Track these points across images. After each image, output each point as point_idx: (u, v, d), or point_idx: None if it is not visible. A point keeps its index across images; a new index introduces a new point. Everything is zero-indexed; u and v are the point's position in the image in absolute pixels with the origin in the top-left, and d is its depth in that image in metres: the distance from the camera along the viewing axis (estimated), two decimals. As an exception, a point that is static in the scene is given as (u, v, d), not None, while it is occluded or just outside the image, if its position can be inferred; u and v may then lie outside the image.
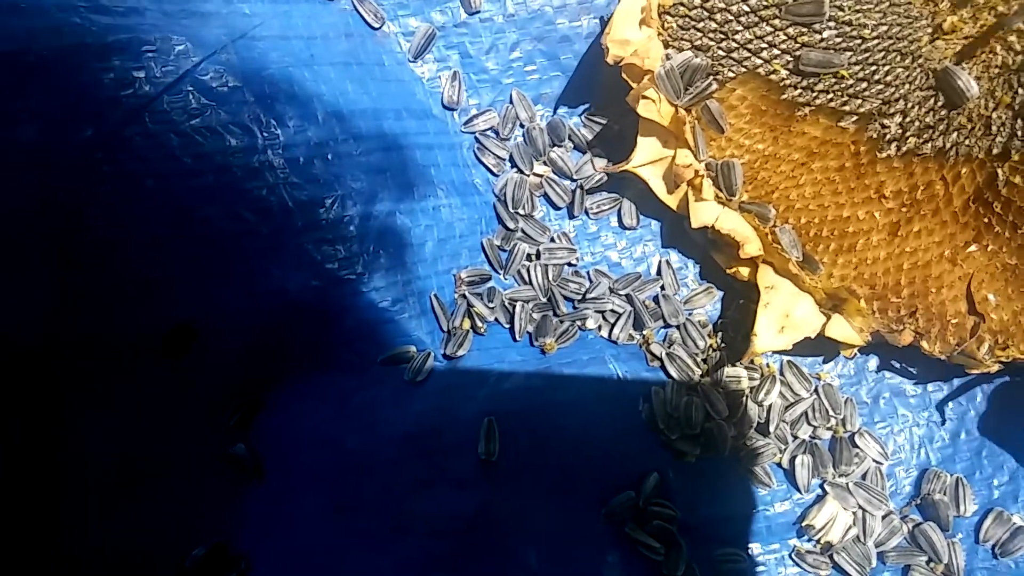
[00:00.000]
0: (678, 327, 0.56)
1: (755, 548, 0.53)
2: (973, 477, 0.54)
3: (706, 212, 0.52)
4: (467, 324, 0.53)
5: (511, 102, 0.56)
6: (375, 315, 0.51)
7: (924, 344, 0.51)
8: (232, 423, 0.51)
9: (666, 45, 0.51)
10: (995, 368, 0.50)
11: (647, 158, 0.52)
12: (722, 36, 0.51)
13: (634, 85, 0.51)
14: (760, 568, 0.53)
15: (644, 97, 0.50)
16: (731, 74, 0.51)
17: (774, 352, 0.53)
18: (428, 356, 0.51)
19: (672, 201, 0.54)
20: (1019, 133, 0.48)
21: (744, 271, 0.54)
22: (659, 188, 0.53)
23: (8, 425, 0.49)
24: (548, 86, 0.57)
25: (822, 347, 0.54)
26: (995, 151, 0.49)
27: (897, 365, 0.55)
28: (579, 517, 0.50)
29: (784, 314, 0.52)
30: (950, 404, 0.54)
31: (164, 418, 0.50)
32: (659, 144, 0.52)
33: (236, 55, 0.46)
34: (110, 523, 0.50)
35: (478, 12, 0.55)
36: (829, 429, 0.55)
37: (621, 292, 0.55)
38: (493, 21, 0.56)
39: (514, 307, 0.54)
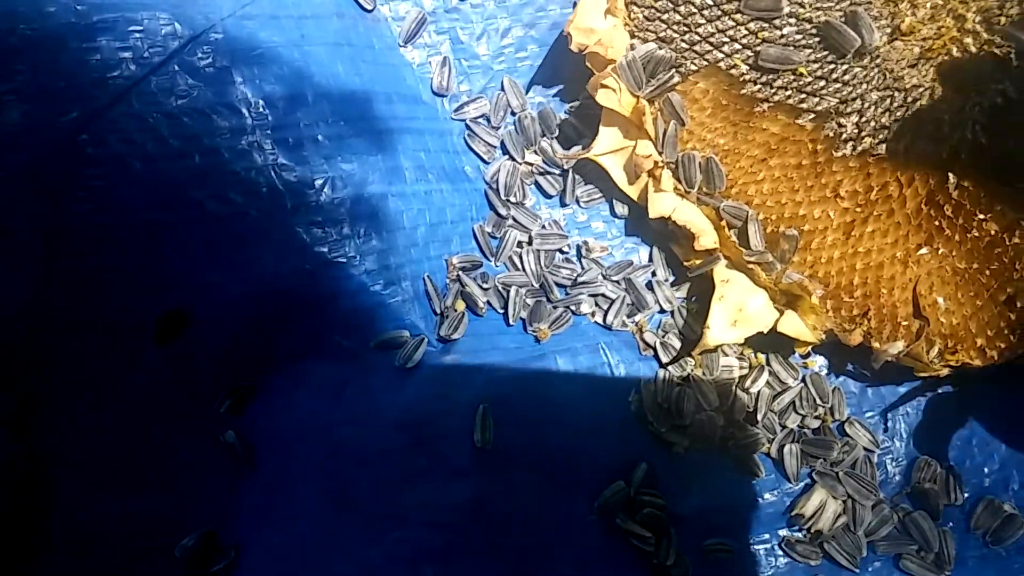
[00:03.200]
0: (672, 313, 0.55)
1: (744, 538, 0.53)
2: (963, 466, 0.54)
3: (664, 203, 0.52)
4: (461, 306, 0.53)
5: (502, 89, 0.56)
6: (368, 299, 0.50)
7: (875, 344, 0.52)
8: (223, 410, 0.50)
9: (632, 35, 0.52)
10: (944, 372, 0.51)
11: (608, 147, 0.53)
12: (685, 28, 0.51)
13: (597, 74, 0.51)
14: (750, 558, 0.53)
15: (603, 86, 0.50)
16: (693, 67, 0.51)
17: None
18: (422, 341, 0.51)
19: (633, 191, 0.54)
20: (969, 136, 0.48)
21: (700, 263, 0.54)
22: (620, 178, 0.54)
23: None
24: (539, 73, 0.56)
25: (784, 343, 0.54)
26: (946, 154, 0.49)
27: (851, 367, 0.55)
28: (571, 507, 0.50)
29: (737, 308, 0.53)
30: (939, 393, 0.54)
31: (154, 405, 0.49)
32: (620, 134, 0.53)
33: (224, 35, 0.46)
34: (100, 511, 0.49)
35: (469, -2, 0.55)
36: (817, 418, 0.55)
37: (614, 278, 0.55)
38: (484, 7, 0.56)
39: (508, 291, 0.54)
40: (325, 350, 0.50)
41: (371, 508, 0.47)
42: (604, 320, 0.55)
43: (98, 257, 0.46)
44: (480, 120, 0.56)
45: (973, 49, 0.48)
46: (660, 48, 0.51)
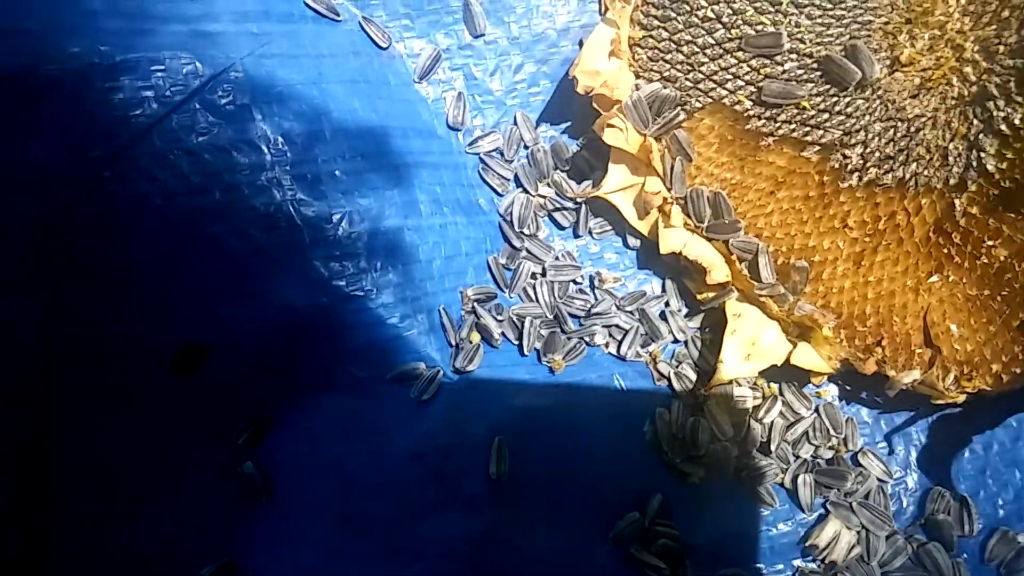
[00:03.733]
0: (685, 344, 0.56)
1: (759, 569, 0.53)
2: (977, 496, 0.53)
3: (675, 238, 0.53)
4: (476, 338, 0.53)
5: (515, 124, 0.56)
6: (384, 332, 0.51)
7: (890, 373, 0.52)
8: (241, 441, 0.51)
9: (636, 76, 0.53)
10: (961, 399, 0.51)
11: (617, 185, 0.54)
12: (689, 68, 0.52)
13: (604, 114, 0.52)
14: (764, 589, 0.53)
15: (610, 125, 0.51)
16: (698, 104, 0.52)
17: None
18: (437, 373, 0.51)
19: (643, 227, 0.55)
20: (974, 164, 0.49)
21: (713, 297, 0.54)
22: (630, 214, 0.55)
23: (11, 440, 0.48)
24: (551, 108, 0.57)
25: (798, 374, 0.54)
26: (952, 182, 0.49)
27: (865, 395, 0.56)
28: (585, 538, 0.50)
29: (751, 341, 0.53)
30: (953, 422, 0.54)
31: (171, 437, 0.50)
32: (629, 171, 0.54)
33: (244, 73, 0.47)
34: (116, 539, 0.49)
35: (483, 35, 0.56)
36: (831, 448, 0.55)
37: (628, 308, 0.55)
38: (497, 44, 0.56)
39: (522, 322, 0.54)
40: (341, 382, 0.51)
41: (386, 540, 0.47)
42: (618, 351, 0.55)
43: (117, 291, 0.47)
44: (494, 154, 0.56)
45: (973, 78, 0.49)
46: (665, 87, 0.52)
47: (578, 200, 0.56)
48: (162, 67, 0.46)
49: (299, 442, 0.50)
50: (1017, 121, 0.48)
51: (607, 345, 0.55)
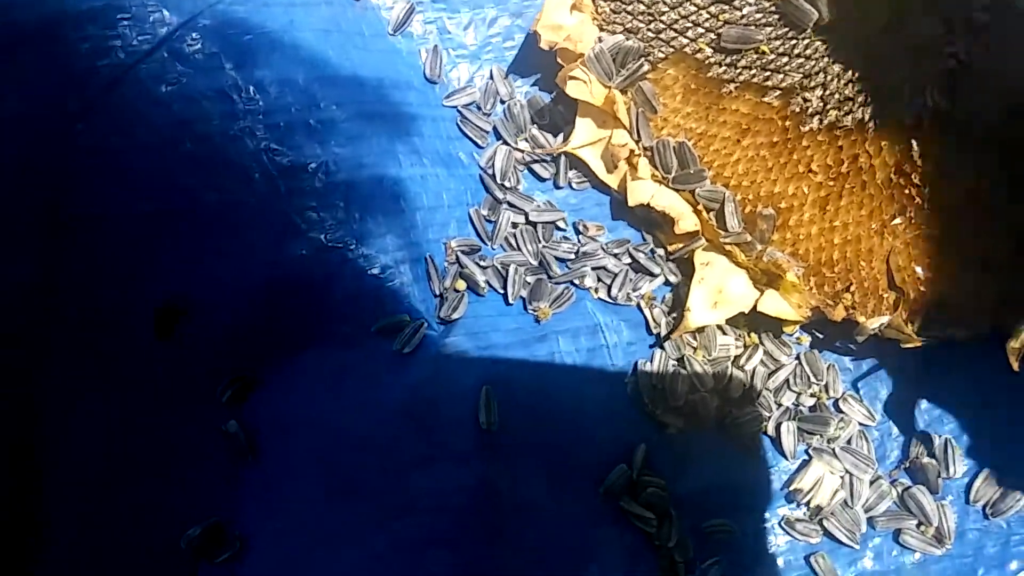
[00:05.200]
0: (677, 286, 0.56)
1: (744, 518, 0.53)
2: (960, 439, 0.54)
3: (642, 190, 0.53)
4: (461, 285, 0.52)
5: (491, 78, 0.56)
6: (366, 284, 0.50)
7: (860, 319, 0.52)
8: (224, 400, 0.50)
9: (600, 29, 0.53)
10: (928, 342, 0.51)
11: (585, 139, 0.54)
12: (650, 17, 0.52)
13: (566, 67, 0.52)
14: (750, 538, 0.53)
15: (572, 78, 0.51)
16: (661, 55, 0.52)
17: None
18: (421, 325, 0.51)
19: (612, 180, 0.55)
20: (928, 102, 0.49)
21: (682, 247, 0.54)
22: (599, 168, 0.55)
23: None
24: (527, 62, 0.56)
25: (774, 324, 0.54)
26: (908, 121, 0.49)
27: (839, 344, 0.56)
28: (574, 491, 0.50)
29: (717, 289, 0.53)
30: (934, 366, 0.54)
31: (154, 396, 0.49)
32: (595, 125, 0.54)
33: (213, 21, 0.46)
34: (102, 504, 0.49)
35: (456, -13, 0.55)
36: (813, 396, 0.55)
37: (615, 251, 0.55)
38: (471, -4, 0.56)
39: (507, 270, 0.53)
40: (324, 337, 0.50)
41: (376, 495, 0.47)
42: (609, 294, 0.55)
43: (95, 248, 0.46)
44: (471, 107, 0.56)
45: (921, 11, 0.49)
46: (628, 39, 0.52)
47: (555, 153, 0.55)
48: (128, 15, 0.45)
49: (284, 399, 0.50)
50: (964, 57, 0.47)
51: (596, 290, 0.55)
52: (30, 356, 0.47)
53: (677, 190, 0.53)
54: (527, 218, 0.55)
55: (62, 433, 0.48)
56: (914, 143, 0.49)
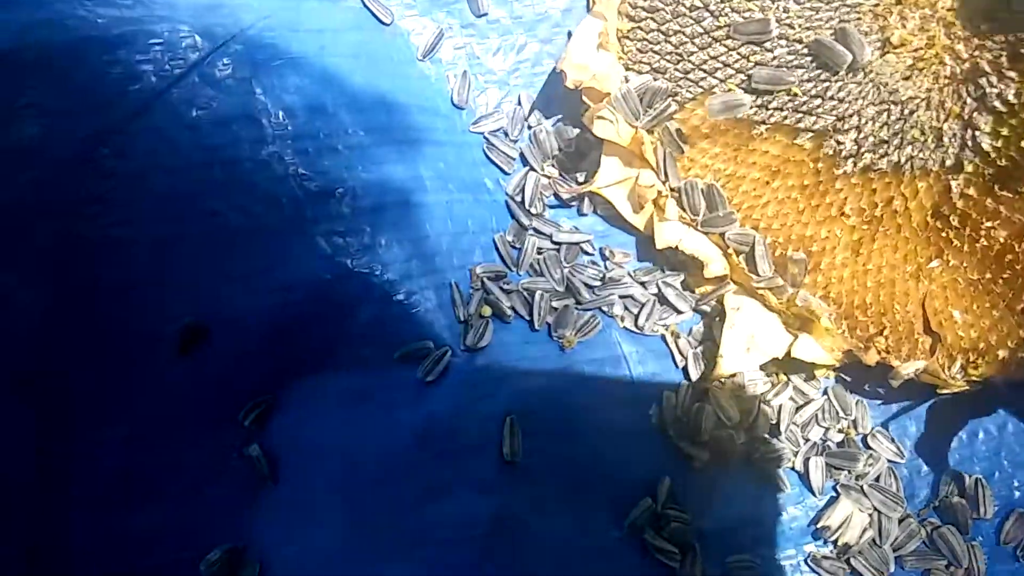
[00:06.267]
0: (706, 317, 0.55)
1: (770, 554, 0.52)
2: (992, 478, 0.53)
3: (670, 233, 0.52)
4: (487, 311, 0.52)
5: (519, 104, 0.56)
6: (390, 309, 0.50)
7: (893, 363, 0.51)
8: (247, 423, 0.49)
9: (626, 68, 0.52)
10: (965, 387, 0.50)
11: (611, 179, 0.53)
12: (678, 58, 0.51)
13: (593, 106, 0.51)
14: (775, 574, 0.52)
15: (600, 117, 0.51)
16: (689, 95, 0.51)
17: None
18: (446, 352, 0.50)
19: (639, 221, 0.54)
20: (970, 143, 0.48)
21: (711, 291, 0.54)
22: (625, 208, 0.54)
23: (17, 427, 0.47)
24: (555, 88, 0.56)
25: (803, 368, 0.54)
26: (948, 163, 0.49)
27: (868, 388, 0.55)
28: (595, 522, 0.49)
29: (750, 335, 0.52)
30: (965, 405, 0.53)
31: (175, 419, 0.49)
32: (621, 164, 0.53)
33: (244, 46, 0.46)
34: (121, 526, 0.48)
35: (485, 14, 0.55)
36: (840, 431, 0.54)
37: (643, 280, 0.54)
38: (500, 23, 0.56)
39: (532, 296, 0.53)
40: (347, 362, 0.50)
41: (395, 523, 0.46)
42: (636, 323, 0.54)
43: (118, 270, 0.46)
44: (498, 133, 0.55)
45: (964, 55, 0.48)
46: (655, 79, 0.51)
47: (581, 181, 0.55)
48: (160, 40, 0.45)
49: (305, 423, 0.49)
50: (1011, 97, 0.47)
51: (623, 319, 0.54)
52: (51, 379, 0.47)
53: (706, 233, 0.53)
54: (552, 240, 0.55)
55: (83, 454, 0.48)
56: (954, 185, 0.49)
